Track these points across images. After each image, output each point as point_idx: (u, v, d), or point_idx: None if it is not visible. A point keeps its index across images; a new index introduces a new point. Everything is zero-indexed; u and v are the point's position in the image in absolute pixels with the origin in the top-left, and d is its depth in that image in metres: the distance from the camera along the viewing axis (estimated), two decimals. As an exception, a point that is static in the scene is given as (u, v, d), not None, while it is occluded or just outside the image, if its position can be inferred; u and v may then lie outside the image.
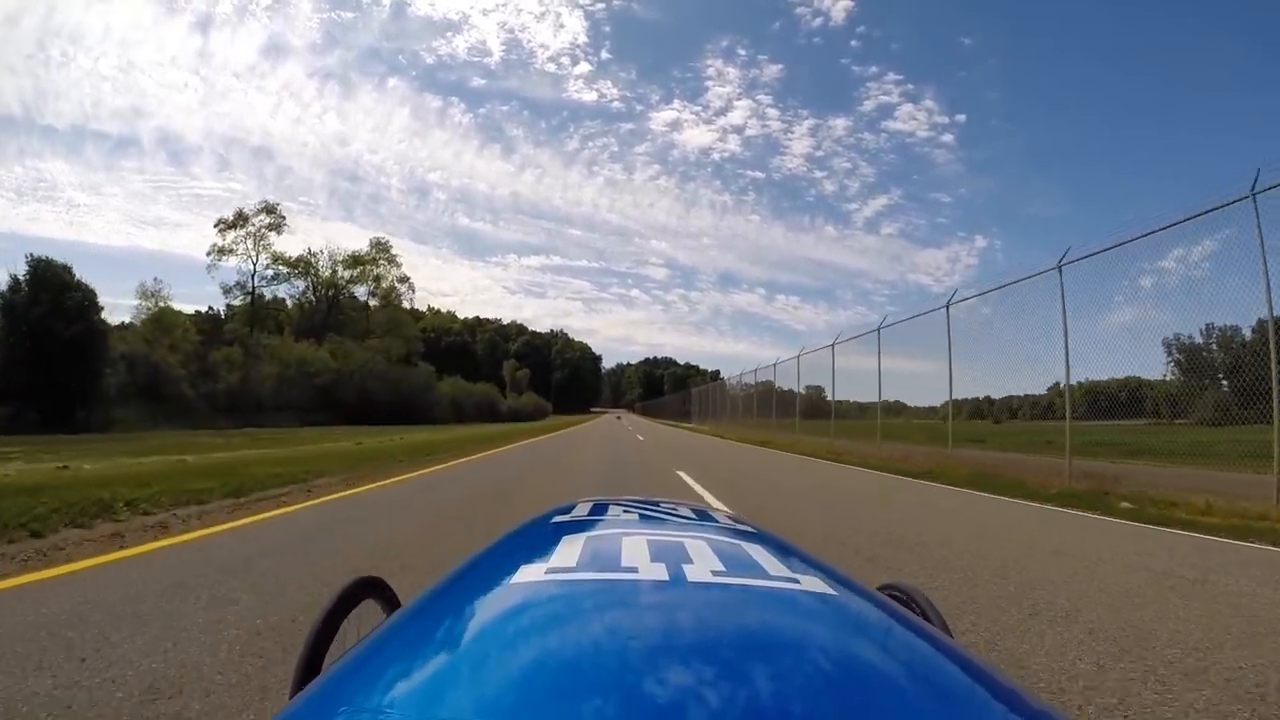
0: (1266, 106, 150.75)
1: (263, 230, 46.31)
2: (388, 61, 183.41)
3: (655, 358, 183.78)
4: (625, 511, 0.82)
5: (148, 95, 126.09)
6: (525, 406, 77.80)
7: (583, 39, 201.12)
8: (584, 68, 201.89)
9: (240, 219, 46.53)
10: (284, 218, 46.96)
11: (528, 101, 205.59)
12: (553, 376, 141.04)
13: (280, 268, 46.57)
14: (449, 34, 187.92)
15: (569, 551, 0.60)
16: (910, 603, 0.84)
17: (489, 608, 0.50)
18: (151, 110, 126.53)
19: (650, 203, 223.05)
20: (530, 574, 0.53)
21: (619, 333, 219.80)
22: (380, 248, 46.71)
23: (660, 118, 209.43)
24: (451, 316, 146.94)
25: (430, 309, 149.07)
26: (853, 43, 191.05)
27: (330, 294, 46.47)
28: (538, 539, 0.72)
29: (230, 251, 46.32)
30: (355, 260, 45.81)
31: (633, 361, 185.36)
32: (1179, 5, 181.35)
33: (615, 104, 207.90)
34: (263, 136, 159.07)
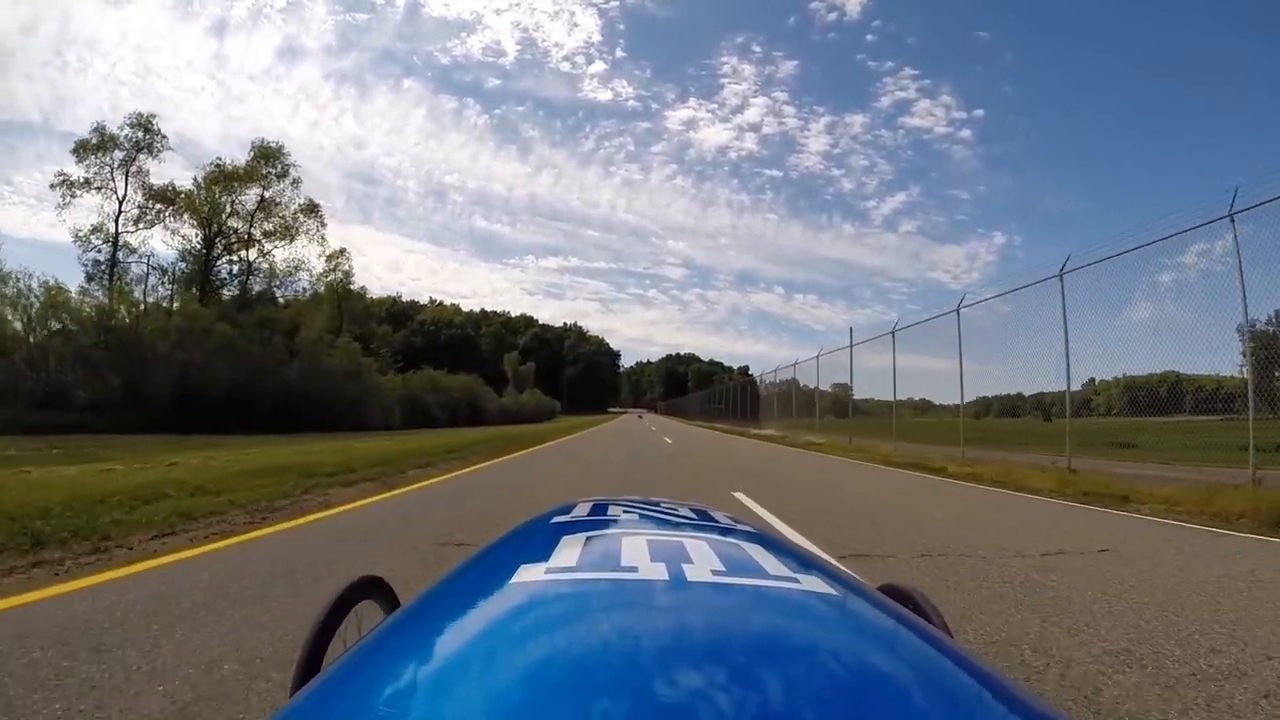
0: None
1: (131, 154, 31.11)
2: (403, 63, 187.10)
3: (677, 354, 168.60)
4: (625, 511, 0.80)
5: (164, 99, 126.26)
6: (525, 406, 62.05)
7: (597, 38, 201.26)
8: (599, 67, 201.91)
9: (107, 141, 31.32)
10: (164, 136, 31.53)
11: (543, 102, 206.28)
12: (565, 373, 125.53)
13: (153, 204, 31.13)
14: (463, 34, 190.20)
15: (569, 551, 0.59)
16: (910, 603, 0.78)
17: (488, 607, 0.49)
18: (168, 114, 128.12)
19: (667, 203, 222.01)
20: (530, 574, 0.53)
21: (637, 333, 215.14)
22: (265, 154, 30.38)
23: (676, 116, 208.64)
24: (455, 310, 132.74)
25: (432, 301, 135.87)
26: (868, 37, 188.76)
27: (213, 236, 30.67)
28: (537, 539, 0.69)
29: (87, 185, 31.33)
30: (223, 175, 29.26)
31: (652, 359, 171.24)
32: (1195, 2, 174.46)
33: (631, 103, 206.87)
34: (279, 139, 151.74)
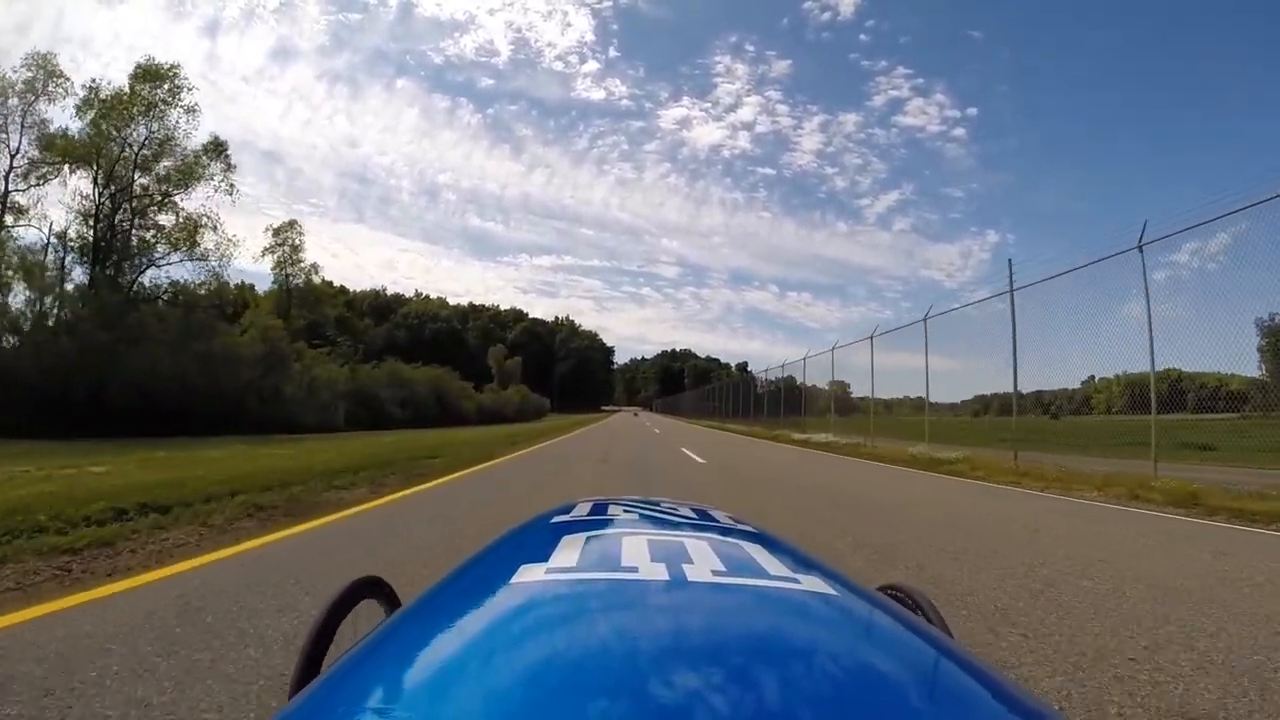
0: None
1: (28, 99, 23.67)
2: (395, 62, 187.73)
3: (673, 350, 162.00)
4: (626, 512, 0.79)
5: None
6: (507, 404, 55.28)
7: (590, 37, 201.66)
8: (592, 66, 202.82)
9: (3, 85, 23.82)
10: (66, 79, 23.95)
11: (536, 101, 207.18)
12: (556, 369, 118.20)
13: (45, 155, 23.72)
14: (456, 34, 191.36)
15: (569, 551, 0.59)
16: (911, 603, 0.79)
17: (489, 607, 0.49)
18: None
19: (660, 201, 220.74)
20: (530, 574, 0.52)
21: (631, 331, 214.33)
22: (150, 74, 21.68)
23: (669, 115, 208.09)
24: (442, 303, 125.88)
25: (418, 294, 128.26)
26: (862, 36, 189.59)
27: (116, 195, 23.49)
28: (538, 539, 0.68)
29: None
30: (100, 102, 21.26)
31: (647, 356, 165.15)
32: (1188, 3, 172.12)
33: (624, 102, 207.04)
34: (272, 139, 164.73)
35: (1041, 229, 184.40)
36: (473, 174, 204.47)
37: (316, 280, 42.22)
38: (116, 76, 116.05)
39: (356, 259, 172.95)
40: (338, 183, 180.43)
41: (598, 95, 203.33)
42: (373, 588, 0.86)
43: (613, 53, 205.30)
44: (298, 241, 41.65)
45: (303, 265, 41.88)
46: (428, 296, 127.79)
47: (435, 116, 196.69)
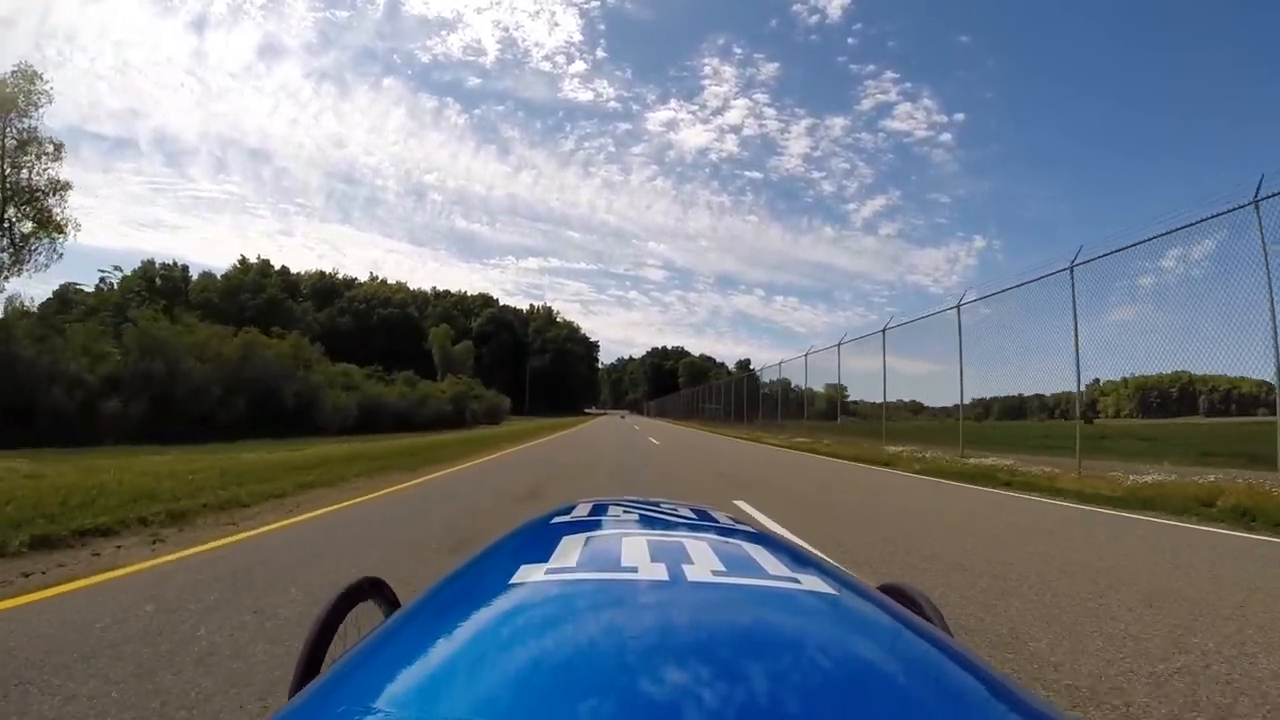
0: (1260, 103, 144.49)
1: None
2: (383, 61, 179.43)
3: (665, 348, 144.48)
4: (626, 512, 0.80)
5: (144, 95, 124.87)
6: (432, 400, 36.86)
7: (578, 37, 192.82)
8: (579, 66, 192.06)
9: None
10: None
11: (523, 102, 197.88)
12: (529, 364, 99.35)
13: None
14: (443, 33, 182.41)
15: (569, 552, 0.59)
16: (911, 602, 0.78)
17: (489, 608, 0.49)
18: (148, 111, 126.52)
19: (647, 204, 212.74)
20: (530, 574, 0.53)
21: (618, 334, 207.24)
22: None
23: (657, 117, 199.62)
24: (399, 287, 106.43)
25: (373, 277, 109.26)
26: (850, 40, 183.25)
27: None
28: (538, 539, 0.68)
29: None
30: None
31: (635, 355, 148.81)
32: (1179, 6, 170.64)
33: (611, 104, 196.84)
34: (260, 138, 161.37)
35: (1027, 234, 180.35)
36: (459, 175, 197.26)
37: (58, 170, 23.77)
38: (102, 70, 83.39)
39: (342, 259, 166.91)
40: (325, 182, 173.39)
41: (585, 96, 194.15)
42: (373, 588, 0.85)
43: (600, 54, 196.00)
44: (30, 100, 23.25)
45: (36, 143, 23.44)
46: (384, 280, 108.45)
47: (422, 116, 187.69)
